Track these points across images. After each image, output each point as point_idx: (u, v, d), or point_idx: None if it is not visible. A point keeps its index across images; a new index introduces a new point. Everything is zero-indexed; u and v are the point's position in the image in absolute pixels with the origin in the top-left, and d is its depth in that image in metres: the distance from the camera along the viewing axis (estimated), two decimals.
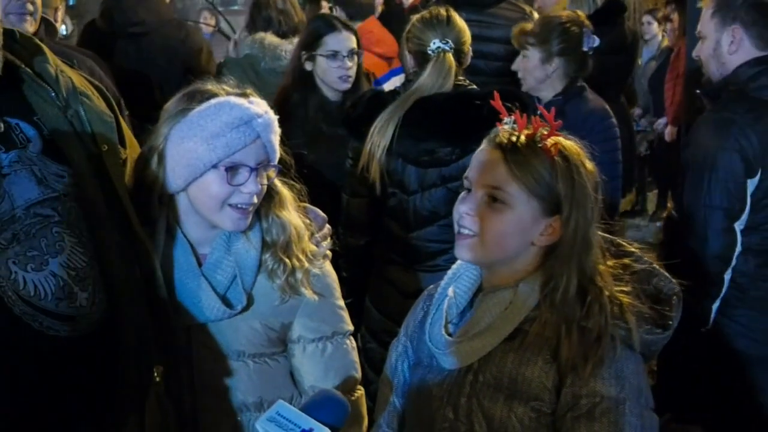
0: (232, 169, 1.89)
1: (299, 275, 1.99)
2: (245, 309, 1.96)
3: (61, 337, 1.70)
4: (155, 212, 1.94)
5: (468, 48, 3.10)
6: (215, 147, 1.87)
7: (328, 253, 2.10)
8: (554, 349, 1.67)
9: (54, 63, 1.85)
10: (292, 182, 2.08)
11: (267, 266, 1.98)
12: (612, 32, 4.34)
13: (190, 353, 1.95)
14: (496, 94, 1.86)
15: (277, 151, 1.95)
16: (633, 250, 1.81)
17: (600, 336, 1.65)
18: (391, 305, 3.06)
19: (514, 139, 1.73)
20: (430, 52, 2.95)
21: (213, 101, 1.90)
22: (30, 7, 3.01)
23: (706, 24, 2.96)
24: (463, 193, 1.79)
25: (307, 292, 2.00)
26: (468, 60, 3.14)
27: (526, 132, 1.75)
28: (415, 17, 3.08)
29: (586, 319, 1.67)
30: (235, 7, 10.33)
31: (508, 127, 1.76)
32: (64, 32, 6.25)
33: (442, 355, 1.78)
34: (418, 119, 2.92)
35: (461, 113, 2.87)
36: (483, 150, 1.78)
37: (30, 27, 3.04)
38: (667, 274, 1.78)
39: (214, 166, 1.88)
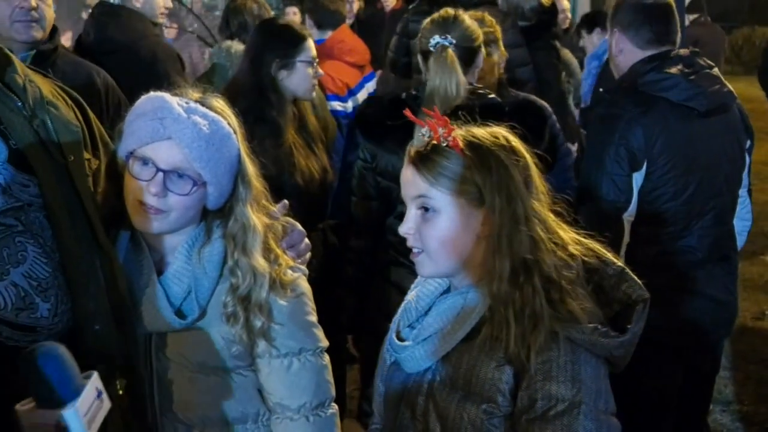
0: (142, 163, 1.84)
1: (264, 295, 1.91)
2: (203, 320, 1.92)
3: (22, 348, 1.67)
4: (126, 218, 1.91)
5: (479, 46, 3.08)
6: (128, 134, 1.86)
7: (304, 268, 2.04)
8: (506, 350, 1.67)
9: (22, 73, 1.84)
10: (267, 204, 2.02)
11: (228, 279, 1.91)
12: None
13: (150, 364, 1.93)
14: (406, 110, 1.86)
15: (214, 171, 1.85)
16: (608, 256, 1.79)
17: (536, 322, 1.64)
18: (393, 307, 3.06)
19: (421, 148, 1.74)
20: (431, 48, 2.95)
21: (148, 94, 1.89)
22: (35, 14, 3.00)
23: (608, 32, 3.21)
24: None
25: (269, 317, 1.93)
26: (481, 59, 3.12)
27: (435, 136, 1.73)
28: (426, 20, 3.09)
29: (522, 304, 1.66)
30: (218, 12, 10.28)
31: (427, 138, 1.75)
32: None
33: (400, 359, 1.81)
34: None
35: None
36: (404, 167, 1.78)
37: (37, 34, 3.04)
38: (636, 279, 1.77)
39: (128, 158, 1.86)
